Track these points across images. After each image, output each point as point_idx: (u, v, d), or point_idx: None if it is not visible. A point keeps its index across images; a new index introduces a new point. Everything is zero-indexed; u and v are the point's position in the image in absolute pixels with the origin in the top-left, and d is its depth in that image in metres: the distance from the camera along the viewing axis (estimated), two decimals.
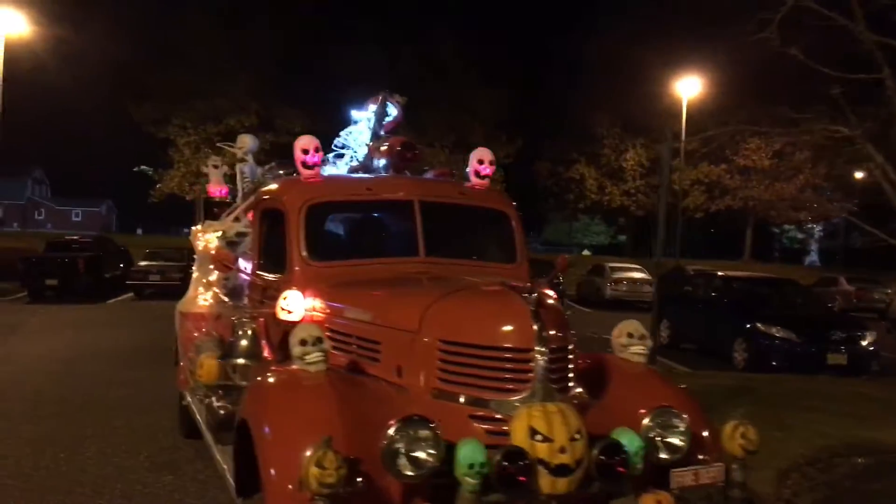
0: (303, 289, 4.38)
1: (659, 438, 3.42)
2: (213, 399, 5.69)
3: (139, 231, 65.40)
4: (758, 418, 6.77)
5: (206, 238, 7.02)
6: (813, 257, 65.32)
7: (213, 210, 8.66)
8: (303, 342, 3.49)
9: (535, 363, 3.24)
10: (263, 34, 36.11)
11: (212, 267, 6.56)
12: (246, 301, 5.61)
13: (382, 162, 6.06)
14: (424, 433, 3.00)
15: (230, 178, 8.08)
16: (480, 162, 5.27)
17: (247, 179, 7.22)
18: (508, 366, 3.27)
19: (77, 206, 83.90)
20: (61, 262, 22.21)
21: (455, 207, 4.95)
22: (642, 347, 4.01)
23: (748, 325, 13.19)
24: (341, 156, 6.61)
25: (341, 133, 6.64)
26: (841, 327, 13.10)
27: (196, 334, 6.99)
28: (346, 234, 5.10)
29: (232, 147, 7.64)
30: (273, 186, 5.28)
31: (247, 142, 7.31)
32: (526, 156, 44.67)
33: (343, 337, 3.97)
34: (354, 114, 6.59)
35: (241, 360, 4.24)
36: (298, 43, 38.18)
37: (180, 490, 5.98)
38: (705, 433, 3.68)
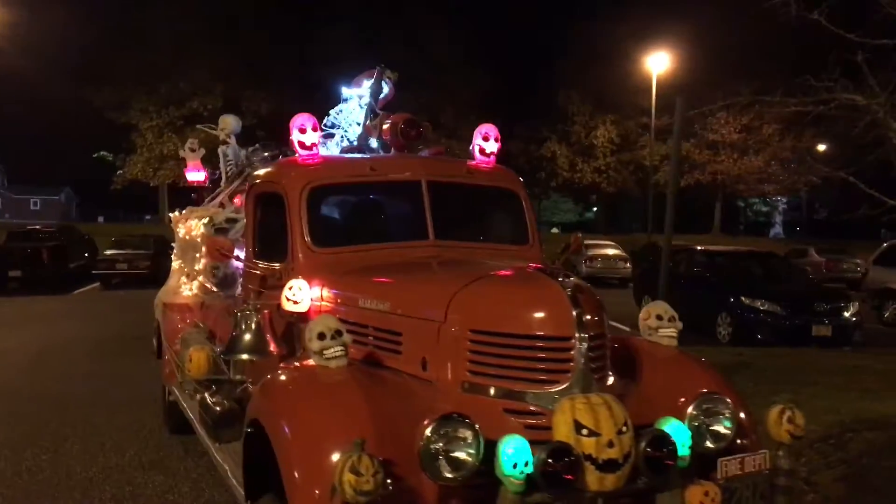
0: (308, 277, 4.11)
1: (704, 426, 3.23)
2: (207, 395, 5.41)
3: (100, 219, 63.87)
4: (758, 395, 6.73)
5: (191, 225, 6.70)
6: (777, 229, 66.30)
7: (191, 195, 8.33)
8: (321, 335, 3.23)
9: (576, 351, 3.03)
10: (229, 13, 35.12)
11: (199, 255, 6.25)
12: (239, 291, 5.32)
13: (377, 141, 5.79)
14: (464, 432, 2.78)
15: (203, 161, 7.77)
16: (486, 139, 5.03)
17: (230, 162, 6.90)
18: (546, 355, 3.05)
19: (35, 194, 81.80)
20: (25, 253, 21.52)
21: (463, 187, 4.71)
22: (673, 330, 3.82)
23: (732, 299, 13.16)
24: (331, 135, 6.33)
25: (331, 112, 6.34)
26: (825, 299, 13.12)
27: (181, 326, 6.70)
28: (349, 217, 4.81)
29: (212, 129, 7.29)
30: (268, 169, 4.98)
31: (229, 123, 6.96)
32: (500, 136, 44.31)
33: (357, 328, 3.71)
34: (345, 91, 6.29)
35: (244, 356, 3.96)
36: (266, 22, 37.14)
37: (173, 490, 5.70)
38: (743, 417, 3.51)
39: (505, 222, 4.84)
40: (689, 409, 3.22)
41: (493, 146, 5.02)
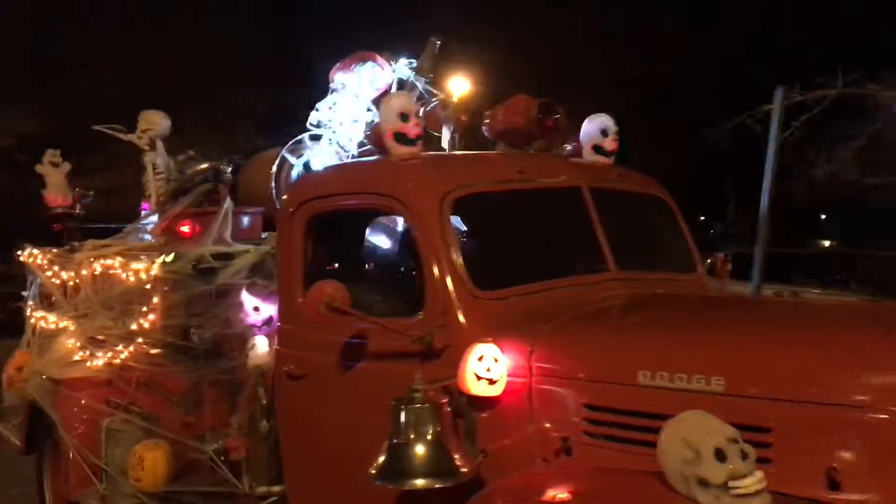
0: (475, 337, 2.60)
1: None
2: None
3: None
4: None
5: (106, 266, 4.70)
6: None
7: (51, 226, 6.17)
8: (719, 454, 1.80)
9: None
10: None
11: (145, 309, 4.29)
12: (256, 361, 3.56)
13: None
14: None
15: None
16: (604, 133, 3.75)
17: (161, 176, 4.97)
18: None
19: None
20: None
21: (622, 196, 3.41)
22: None
23: None
24: (317, 137, 4.74)
25: (318, 105, 4.74)
26: None
27: (85, 411, 4.73)
28: (504, 243, 3.25)
29: (118, 131, 5.25)
30: (343, 173, 3.36)
31: (157, 121, 5.01)
32: None
33: (638, 420, 2.30)
34: (340, 78, 4.71)
35: (420, 482, 2.34)
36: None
37: None
38: None
39: (664, 241, 3.59)
40: None
41: (613, 143, 3.76)
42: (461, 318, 2.68)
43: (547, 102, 3.38)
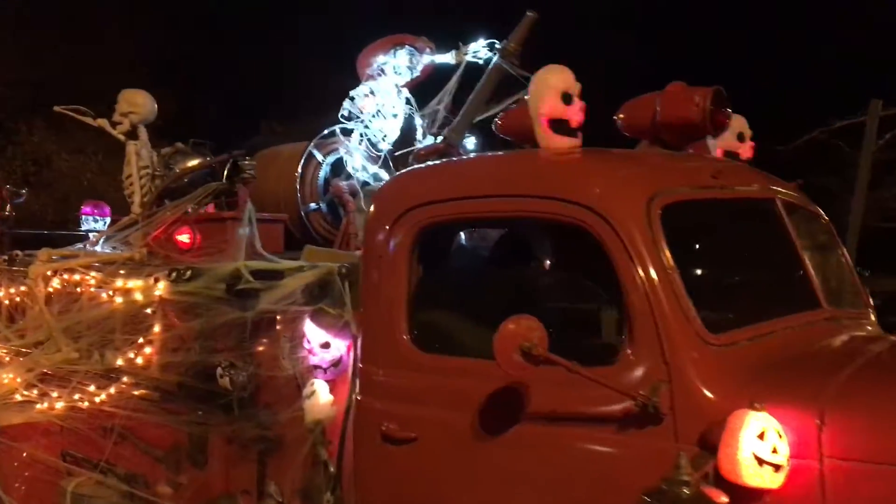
0: (722, 403, 1.87)
1: None
2: None
3: None
4: None
5: (70, 279, 3.68)
6: None
7: None
8: None
9: None
10: None
11: (141, 339, 3.29)
12: (321, 413, 2.67)
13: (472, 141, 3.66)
14: None
15: None
16: (741, 138, 3.11)
17: (146, 171, 3.97)
18: None
19: None
20: None
21: (801, 212, 2.75)
22: None
23: None
24: (349, 132, 3.94)
25: (353, 93, 3.94)
26: None
27: (29, 470, 3.77)
28: (711, 269, 2.45)
29: (84, 116, 4.18)
30: (497, 170, 2.54)
31: (142, 103, 3.98)
32: None
33: None
34: (381, 60, 3.93)
35: None
36: None
37: None
38: None
39: (836, 269, 2.95)
40: None
41: (750, 150, 3.13)
42: (692, 372, 1.93)
43: (719, 91, 2.69)
